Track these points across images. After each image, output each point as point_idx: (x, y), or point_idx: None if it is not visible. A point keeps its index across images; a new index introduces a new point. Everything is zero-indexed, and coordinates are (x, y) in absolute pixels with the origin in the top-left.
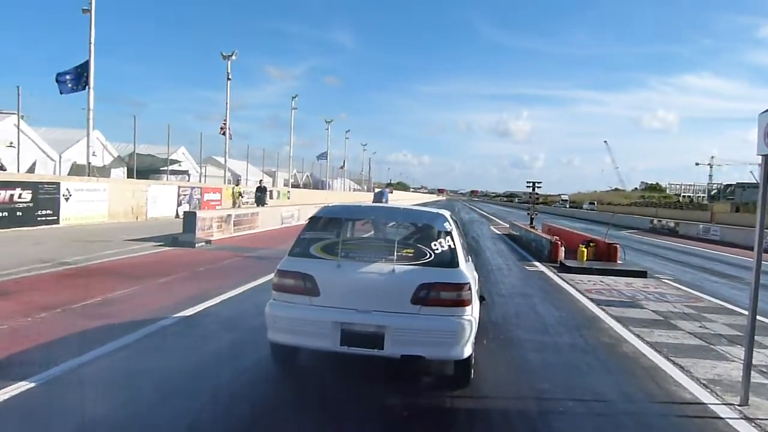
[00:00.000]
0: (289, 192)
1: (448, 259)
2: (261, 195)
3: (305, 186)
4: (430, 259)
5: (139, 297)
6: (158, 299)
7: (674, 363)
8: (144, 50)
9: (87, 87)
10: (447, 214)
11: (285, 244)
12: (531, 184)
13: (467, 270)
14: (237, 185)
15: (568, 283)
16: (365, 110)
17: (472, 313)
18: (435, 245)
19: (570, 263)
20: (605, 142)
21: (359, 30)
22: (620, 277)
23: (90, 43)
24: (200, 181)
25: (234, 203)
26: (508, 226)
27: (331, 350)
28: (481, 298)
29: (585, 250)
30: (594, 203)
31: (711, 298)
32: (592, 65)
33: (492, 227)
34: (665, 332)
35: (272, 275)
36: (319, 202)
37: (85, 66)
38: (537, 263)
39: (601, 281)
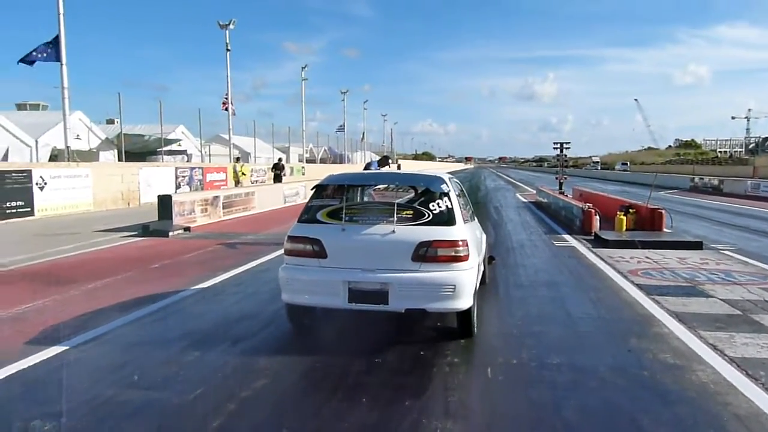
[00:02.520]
0: (303, 168)
1: (446, 218)
2: (278, 173)
3: (323, 161)
4: (428, 219)
5: (35, 316)
6: (59, 315)
7: None
8: (165, 33)
9: (59, 62)
10: (445, 176)
11: (279, 227)
12: (558, 146)
13: (466, 228)
14: (237, 162)
15: (606, 262)
16: (387, 81)
17: (469, 267)
18: (433, 206)
19: (607, 235)
20: (636, 100)
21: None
22: (670, 250)
23: (59, 14)
24: (202, 161)
25: (237, 183)
26: (534, 192)
27: (340, 307)
28: (490, 258)
29: (624, 218)
30: (627, 164)
31: None
32: (617, 21)
33: (518, 194)
34: (751, 337)
35: (240, 268)
36: None
37: (55, 41)
38: (567, 236)
39: (647, 257)
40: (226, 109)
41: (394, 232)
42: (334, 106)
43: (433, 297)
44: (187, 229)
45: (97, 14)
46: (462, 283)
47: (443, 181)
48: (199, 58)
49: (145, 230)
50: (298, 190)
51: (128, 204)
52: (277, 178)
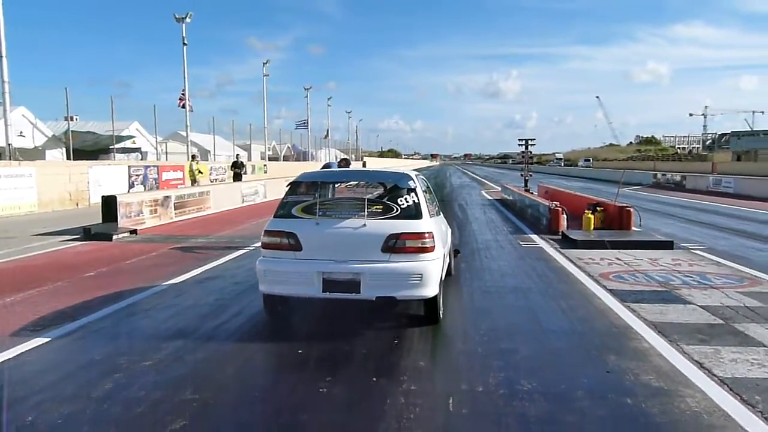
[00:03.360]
0: (265, 165)
1: (413, 213)
2: (238, 171)
3: (286, 158)
4: (396, 213)
5: None
6: None
7: None
8: (133, 29)
9: None
10: (412, 173)
11: (232, 228)
12: (524, 142)
13: (431, 222)
14: (193, 160)
15: (575, 264)
16: (353, 78)
17: (435, 258)
18: (401, 201)
19: (575, 235)
20: (597, 97)
21: None
22: (640, 250)
23: None
24: (158, 159)
25: (193, 182)
26: (500, 189)
27: (315, 296)
28: (456, 251)
29: (592, 216)
30: (590, 160)
31: None
32: (579, 19)
33: (483, 192)
34: (738, 352)
35: (182, 276)
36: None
37: None
38: (534, 236)
39: (618, 258)
40: (183, 106)
41: (365, 225)
42: (298, 104)
43: (402, 285)
44: (133, 231)
45: (66, 8)
46: (428, 273)
47: (410, 178)
48: (164, 55)
49: (86, 234)
50: (257, 188)
51: (77, 205)
52: (237, 177)
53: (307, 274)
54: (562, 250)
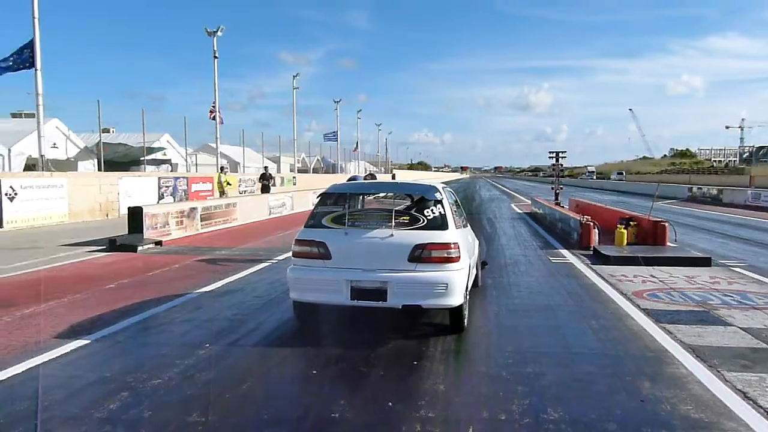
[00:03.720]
0: (294, 178)
1: (439, 223)
2: (266, 183)
3: (315, 171)
4: (423, 224)
5: None
6: None
7: None
8: (166, 43)
9: (33, 67)
10: (439, 186)
11: (256, 241)
12: (554, 155)
13: (457, 233)
14: (222, 172)
15: (607, 281)
16: (383, 91)
17: (460, 268)
18: (427, 212)
19: (607, 250)
20: (630, 110)
21: (374, 9)
22: (676, 267)
23: (34, 18)
24: (188, 171)
25: (222, 193)
26: (530, 203)
27: (343, 304)
28: (483, 263)
29: (624, 231)
30: (622, 173)
31: None
32: (610, 32)
33: (513, 205)
34: None
35: (202, 289)
36: (323, 187)
37: (29, 45)
38: (564, 251)
39: (652, 276)
40: (214, 118)
41: (392, 235)
42: (328, 117)
43: (428, 294)
44: (158, 243)
45: (100, 23)
46: (453, 282)
47: (437, 190)
48: (197, 68)
49: (111, 245)
50: (284, 201)
51: (107, 215)
52: (265, 189)
53: (336, 282)
54: (594, 267)
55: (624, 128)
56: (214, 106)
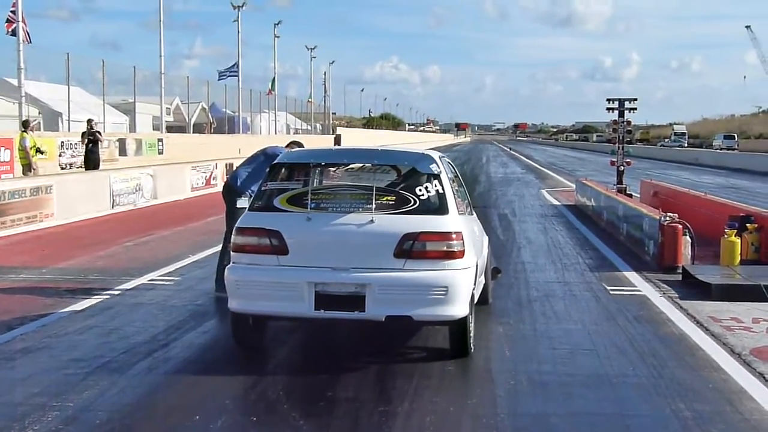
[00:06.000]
0: (160, 141)
1: (436, 206)
2: (93, 149)
3: (199, 128)
4: (414, 206)
5: None
6: None
7: None
8: None
9: None
10: (435, 154)
11: (86, 253)
12: (617, 105)
13: (461, 219)
14: (26, 130)
15: (707, 330)
16: None
17: (465, 266)
18: (420, 190)
19: (707, 273)
20: (748, 27)
21: None
22: None
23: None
24: None
25: (28, 167)
26: (573, 188)
27: (304, 316)
28: (495, 270)
29: (737, 240)
30: (733, 136)
31: None
32: None
33: (544, 191)
34: None
35: None
36: (212, 159)
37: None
38: (632, 274)
39: None
40: (14, 33)
41: (372, 221)
42: (224, 33)
43: (421, 301)
44: None
45: None
46: (456, 285)
47: (433, 161)
48: None
49: None
50: (140, 182)
51: None
52: (91, 158)
53: (295, 286)
54: (683, 303)
55: (737, 60)
56: (13, 12)
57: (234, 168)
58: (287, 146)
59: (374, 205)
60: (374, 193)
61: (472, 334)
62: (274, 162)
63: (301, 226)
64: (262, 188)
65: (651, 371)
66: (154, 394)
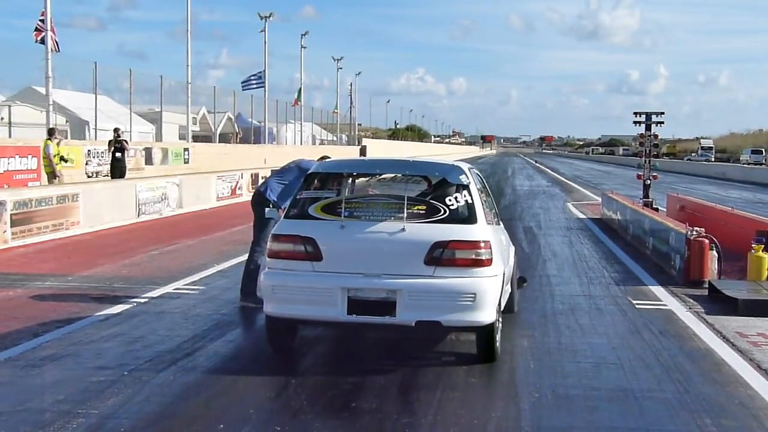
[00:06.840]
0: (186, 151)
1: (465, 216)
2: (120, 157)
3: (225, 138)
4: (444, 215)
5: None
6: None
7: None
8: None
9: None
10: (464, 166)
11: (114, 262)
12: (644, 119)
13: (489, 229)
14: (52, 138)
15: (733, 345)
16: (346, 1)
17: (493, 274)
18: (450, 200)
19: (734, 289)
20: None
21: None
22: None
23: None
24: None
25: (53, 176)
26: (599, 201)
27: (337, 320)
28: (521, 279)
29: (764, 255)
30: (761, 151)
31: None
32: None
33: (570, 204)
34: None
35: None
36: (238, 169)
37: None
38: (658, 289)
39: None
40: (42, 41)
41: (404, 230)
42: (250, 43)
43: (450, 307)
44: None
45: None
46: (483, 292)
47: (462, 171)
48: None
49: None
50: (166, 191)
51: None
52: (117, 166)
53: (329, 291)
54: (709, 318)
55: (765, 73)
56: (42, 21)
57: (263, 179)
58: (319, 160)
59: (405, 214)
60: (406, 202)
61: (498, 340)
62: (309, 171)
63: (334, 234)
64: (297, 197)
65: (676, 386)
66: (178, 403)
